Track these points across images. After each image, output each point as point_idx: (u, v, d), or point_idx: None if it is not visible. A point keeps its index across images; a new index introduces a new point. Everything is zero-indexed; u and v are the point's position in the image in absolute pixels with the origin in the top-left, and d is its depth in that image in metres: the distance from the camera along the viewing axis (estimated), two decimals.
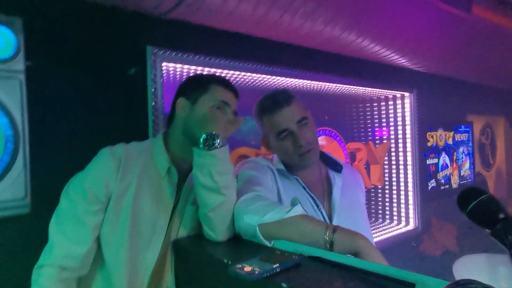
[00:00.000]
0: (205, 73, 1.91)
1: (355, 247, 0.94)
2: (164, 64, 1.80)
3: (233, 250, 1.14)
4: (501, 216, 0.70)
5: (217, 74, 1.89)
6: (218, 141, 1.09)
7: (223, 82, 1.27)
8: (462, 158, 5.29)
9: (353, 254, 0.94)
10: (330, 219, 1.35)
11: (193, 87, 1.25)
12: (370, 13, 2.04)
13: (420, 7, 2.21)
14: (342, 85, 2.83)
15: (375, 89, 3.18)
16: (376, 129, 3.53)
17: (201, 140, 1.09)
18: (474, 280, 0.66)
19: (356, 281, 0.75)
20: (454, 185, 5.07)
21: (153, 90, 1.75)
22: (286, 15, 1.72)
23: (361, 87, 3.02)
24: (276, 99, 1.35)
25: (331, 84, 2.65)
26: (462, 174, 5.28)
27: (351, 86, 2.93)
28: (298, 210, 1.06)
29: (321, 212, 1.35)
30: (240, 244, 1.14)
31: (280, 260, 0.84)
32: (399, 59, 2.72)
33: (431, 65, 3.14)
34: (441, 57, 2.90)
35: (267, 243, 1.06)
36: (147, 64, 1.72)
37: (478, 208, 0.72)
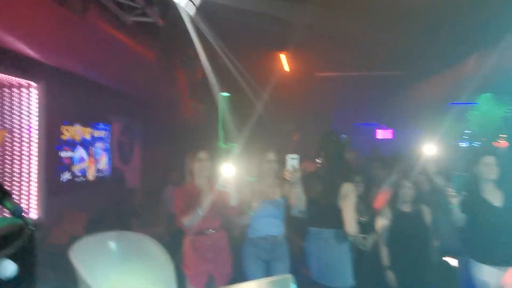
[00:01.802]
0: None
1: None
2: None
3: None
4: None
5: None
6: None
7: None
8: (100, 153, 5.78)
9: None
10: None
11: None
12: None
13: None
14: None
15: None
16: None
17: None
18: None
19: None
20: (91, 178, 5.47)
21: None
22: None
23: None
24: None
25: None
26: (99, 168, 5.76)
27: None
28: None
29: None
30: None
31: None
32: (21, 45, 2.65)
33: (57, 59, 3.24)
34: (64, 53, 3.06)
35: None
36: None
37: None
